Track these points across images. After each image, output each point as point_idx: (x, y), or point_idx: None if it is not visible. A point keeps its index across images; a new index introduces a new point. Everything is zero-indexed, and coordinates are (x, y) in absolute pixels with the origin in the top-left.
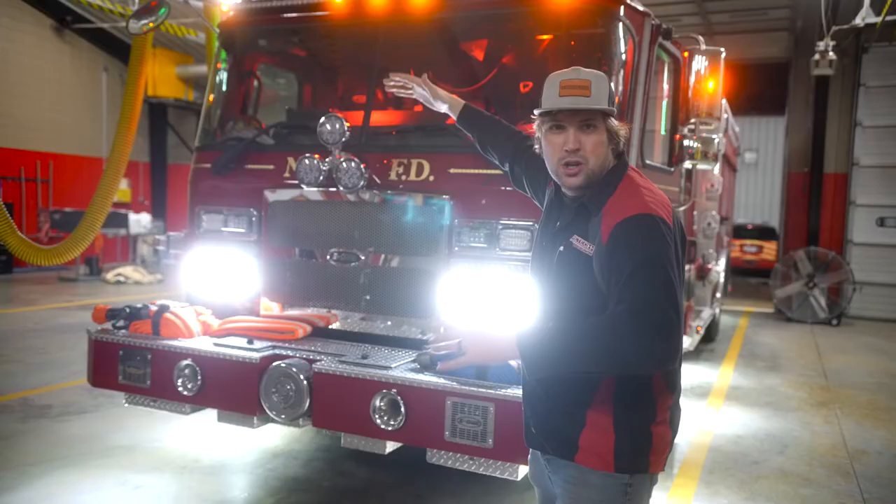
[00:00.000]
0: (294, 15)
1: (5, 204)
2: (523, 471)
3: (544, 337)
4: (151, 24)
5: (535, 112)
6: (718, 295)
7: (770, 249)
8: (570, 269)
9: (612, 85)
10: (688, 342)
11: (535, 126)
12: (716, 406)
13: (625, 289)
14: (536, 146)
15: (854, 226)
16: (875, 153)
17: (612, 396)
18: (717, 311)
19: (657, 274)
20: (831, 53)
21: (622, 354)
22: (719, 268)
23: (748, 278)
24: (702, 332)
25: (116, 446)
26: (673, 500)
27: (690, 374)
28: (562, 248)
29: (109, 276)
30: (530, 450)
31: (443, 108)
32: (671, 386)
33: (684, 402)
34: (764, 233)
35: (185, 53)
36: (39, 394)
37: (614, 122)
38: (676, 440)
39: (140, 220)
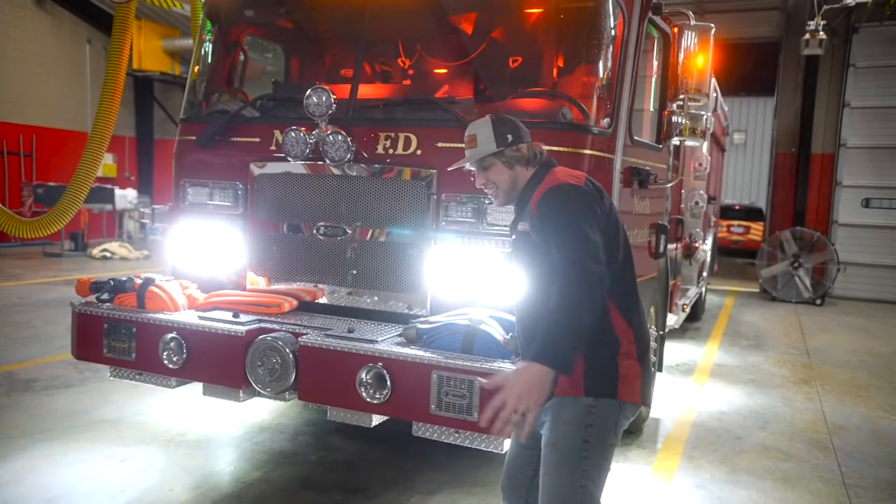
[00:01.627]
0: None
1: None
2: (508, 444)
3: (549, 339)
4: None
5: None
6: (705, 274)
7: (757, 230)
8: (524, 249)
9: (601, 61)
10: (673, 320)
11: None
12: (700, 383)
13: (555, 244)
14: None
15: (840, 207)
16: (862, 134)
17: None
18: (704, 290)
19: (569, 227)
20: (821, 33)
21: (577, 304)
22: (706, 247)
23: (735, 258)
24: (688, 310)
25: (102, 419)
26: (656, 475)
27: (676, 351)
28: (514, 235)
29: (95, 251)
30: (507, 457)
31: None
32: (631, 323)
33: (669, 378)
34: (751, 213)
35: (170, 26)
36: (24, 368)
37: (507, 152)
38: (660, 416)
39: (126, 196)
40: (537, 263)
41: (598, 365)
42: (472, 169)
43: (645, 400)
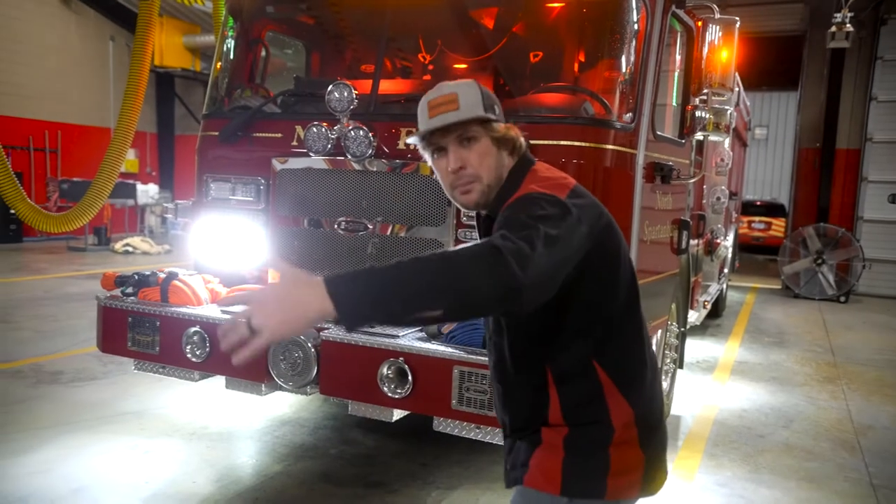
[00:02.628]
0: None
1: (15, 173)
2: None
3: (371, 272)
4: None
5: (409, 142)
6: (726, 271)
7: (779, 226)
8: None
9: (624, 55)
10: (695, 317)
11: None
12: (721, 380)
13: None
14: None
15: (865, 202)
16: (889, 128)
17: (564, 421)
18: (725, 286)
19: (528, 215)
20: (848, 25)
21: (460, 278)
22: (727, 243)
23: (756, 255)
24: (709, 307)
25: (126, 412)
26: (677, 473)
27: (696, 348)
28: None
29: (118, 246)
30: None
31: None
32: (631, 401)
33: (689, 376)
34: (773, 209)
35: (192, 23)
36: (51, 360)
37: (497, 125)
38: (681, 414)
39: (148, 191)
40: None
41: (580, 455)
42: (425, 149)
43: (651, 488)
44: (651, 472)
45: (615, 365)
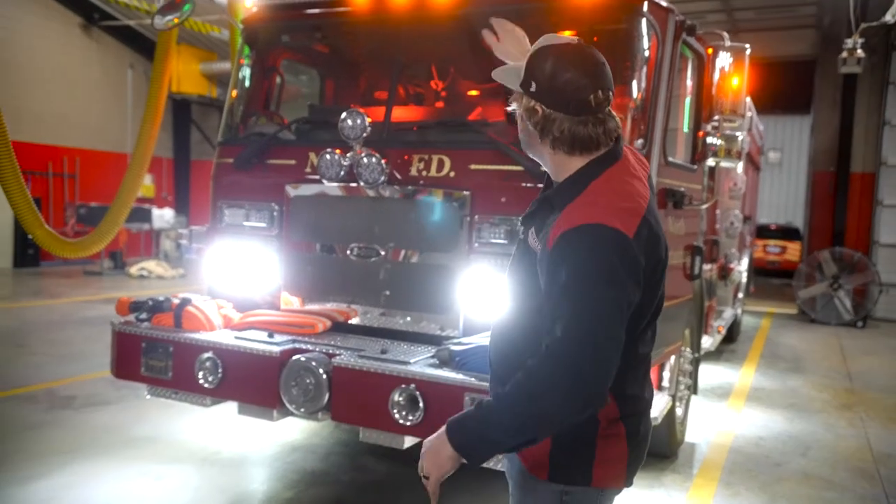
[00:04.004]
0: (317, 11)
1: (34, 199)
2: None
3: (479, 418)
4: (176, 20)
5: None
6: (741, 295)
7: (794, 250)
8: (521, 262)
9: (635, 82)
10: (709, 342)
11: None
12: (736, 407)
13: (554, 308)
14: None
15: (881, 226)
16: None
17: None
18: (739, 311)
19: (588, 292)
20: (860, 51)
21: (541, 410)
22: (742, 268)
23: (771, 279)
24: (723, 332)
25: (139, 437)
26: (692, 501)
27: (711, 374)
28: (521, 236)
29: (133, 270)
30: None
31: None
32: (618, 398)
33: (704, 402)
34: (787, 233)
35: (208, 50)
36: (64, 385)
37: (525, 100)
38: (696, 441)
39: (163, 216)
40: (527, 293)
41: (566, 445)
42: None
43: (632, 480)
44: (633, 466)
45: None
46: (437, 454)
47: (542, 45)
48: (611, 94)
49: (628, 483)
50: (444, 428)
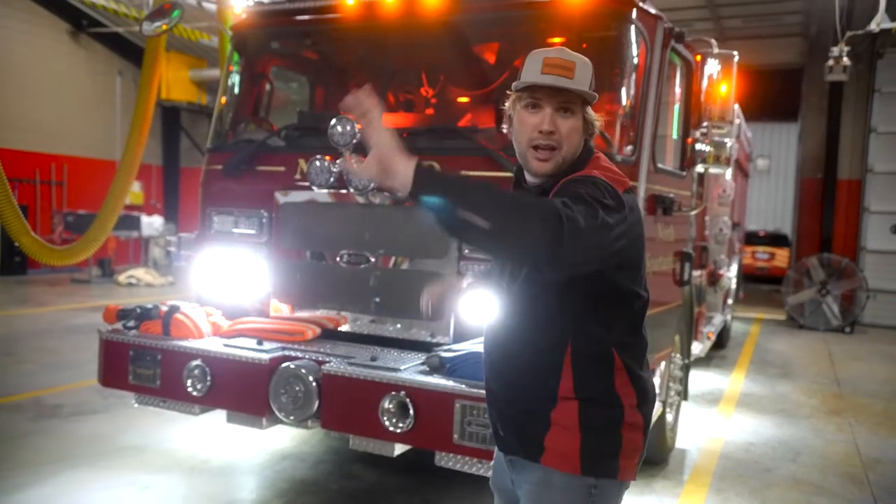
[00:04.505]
0: (306, 17)
1: (20, 206)
2: None
3: (457, 176)
4: (165, 27)
5: (514, 87)
6: (730, 301)
7: (782, 256)
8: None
9: (624, 89)
10: (699, 348)
11: (508, 103)
12: (726, 413)
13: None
14: (505, 126)
15: (868, 233)
16: (890, 159)
17: (575, 396)
18: (729, 317)
19: (591, 196)
20: (846, 59)
21: (520, 212)
22: (731, 274)
23: (760, 285)
24: (713, 338)
25: (126, 446)
26: None
27: (701, 380)
28: None
29: (121, 278)
30: (495, 453)
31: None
32: (636, 384)
33: (694, 408)
34: (776, 240)
35: (198, 57)
36: (52, 393)
37: (591, 111)
38: (686, 447)
39: (152, 223)
40: (534, 297)
41: (596, 435)
42: (520, 99)
43: (635, 474)
44: (641, 461)
45: (630, 354)
46: (387, 168)
47: (585, 60)
48: None
49: (635, 477)
50: (410, 157)
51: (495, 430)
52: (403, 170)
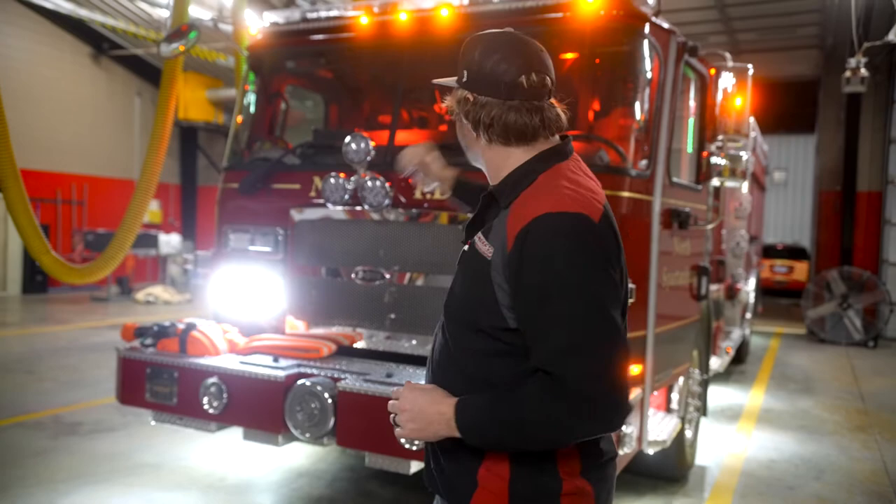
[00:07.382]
0: (320, 37)
1: (42, 225)
2: None
3: (492, 408)
4: (182, 48)
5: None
6: (748, 316)
7: (801, 269)
8: (468, 273)
9: (638, 104)
10: (717, 363)
11: None
12: (747, 429)
13: (540, 324)
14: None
15: (890, 245)
16: None
17: (507, 456)
18: (748, 332)
19: (579, 299)
20: (863, 70)
21: (531, 428)
22: (749, 288)
23: (779, 299)
24: (732, 353)
25: (144, 464)
26: None
27: (720, 396)
28: (466, 246)
29: (139, 295)
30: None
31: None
32: (580, 447)
33: (714, 424)
34: (794, 253)
35: (214, 77)
36: (71, 411)
37: (460, 93)
38: (706, 463)
39: (170, 241)
40: (472, 307)
41: (527, 496)
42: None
43: None
44: (607, 496)
45: None
46: (426, 420)
47: (473, 37)
48: (549, 80)
49: None
50: (444, 398)
51: (427, 462)
52: (443, 424)
